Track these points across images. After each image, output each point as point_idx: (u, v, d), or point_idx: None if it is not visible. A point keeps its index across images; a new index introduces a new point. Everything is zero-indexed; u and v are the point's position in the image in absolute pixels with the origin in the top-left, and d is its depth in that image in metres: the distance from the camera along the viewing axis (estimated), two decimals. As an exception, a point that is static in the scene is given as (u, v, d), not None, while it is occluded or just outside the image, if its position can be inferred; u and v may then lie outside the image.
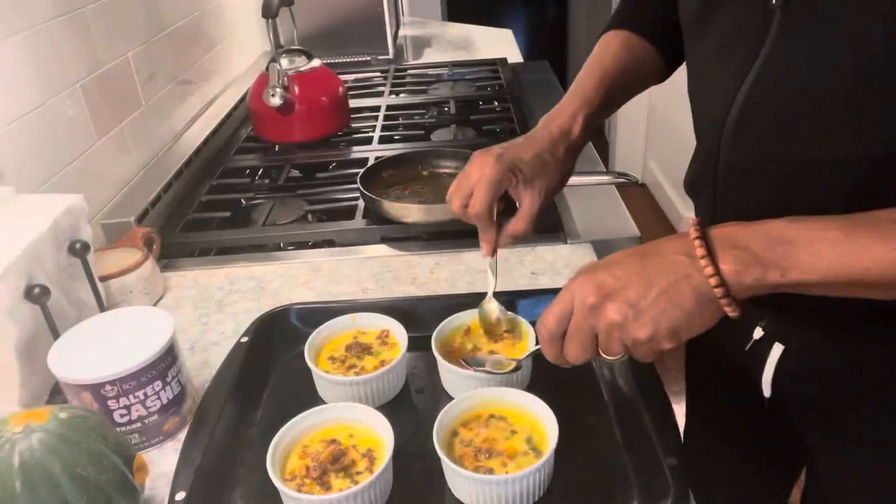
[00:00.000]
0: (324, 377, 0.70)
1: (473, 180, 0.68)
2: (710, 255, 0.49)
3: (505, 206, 0.71)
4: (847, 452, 0.70)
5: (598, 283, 0.52)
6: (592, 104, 0.75)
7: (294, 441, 0.62)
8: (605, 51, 0.80)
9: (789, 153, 0.57)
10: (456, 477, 0.58)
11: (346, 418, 0.64)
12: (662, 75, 0.83)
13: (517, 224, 0.71)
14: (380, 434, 0.62)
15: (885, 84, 0.50)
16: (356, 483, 0.57)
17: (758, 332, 0.70)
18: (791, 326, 0.67)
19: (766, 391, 0.71)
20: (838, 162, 0.54)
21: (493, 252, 0.72)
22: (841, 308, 0.53)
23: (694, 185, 0.73)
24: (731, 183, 0.63)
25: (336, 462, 0.59)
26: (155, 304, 0.92)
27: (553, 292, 0.82)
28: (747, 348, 0.71)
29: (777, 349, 0.68)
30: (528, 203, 0.70)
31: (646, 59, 0.80)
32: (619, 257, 0.55)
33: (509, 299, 0.80)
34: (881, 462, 0.67)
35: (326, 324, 0.75)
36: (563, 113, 0.75)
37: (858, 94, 0.51)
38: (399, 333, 0.74)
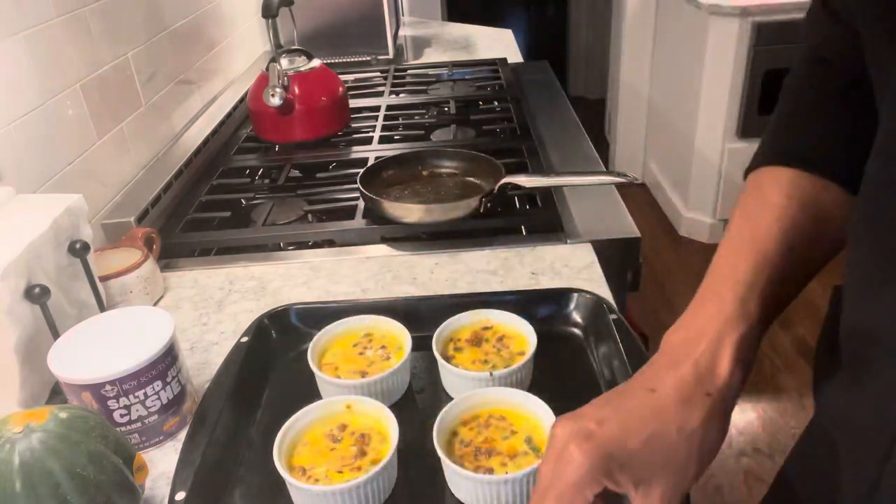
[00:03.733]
0: (327, 380, 0.70)
1: (545, 483, 0.42)
2: None
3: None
4: None
5: None
6: (751, 311, 0.45)
7: (301, 432, 0.62)
8: (761, 208, 0.51)
9: None
10: (456, 477, 0.59)
11: (353, 410, 0.64)
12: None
13: None
14: (386, 426, 0.62)
15: None
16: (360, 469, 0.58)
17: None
18: None
19: None
20: None
21: None
22: None
23: (842, 427, 0.46)
24: None
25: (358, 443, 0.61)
26: (155, 304, 0.92)
27: (553, 292, 0.83)
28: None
29: None
30: None
31: (832, 210, 0.49)
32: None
33: (509, 299, 0.80)
34: None
35: (332, 325, 0.75)
36: (700, 335, 0.45)
37: None
38: (403, 336, 0.74)
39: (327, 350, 0.74)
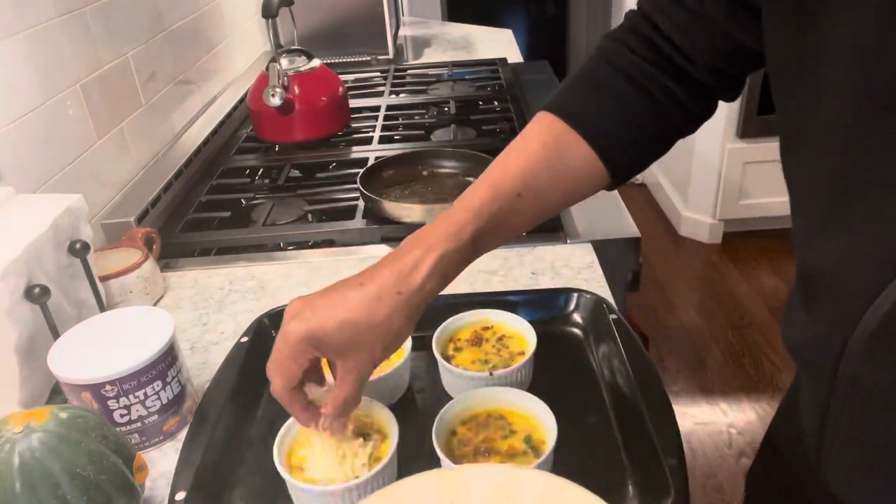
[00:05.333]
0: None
1: (274, 350, 0.55)
2: None
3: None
4: None
5: None
6: (464, 236, 0.54)
7: (301, 432, 0.62)
8: (520, 143, 0.60)
9: None
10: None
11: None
12: (602, 179, 0.61)
13: (331, 404, 0.56)
14: (386, 426, 0.62)
15: None
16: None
17: None
18: None
19: None
20: None
21: (323, 424, 0.58)
22: None
23: (800, 357, 0.54)
24: (851, 407, 0.47)
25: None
26: (155, 304, 0.92)
27: (553, 292, 0.83)
28: None
29: None
30: (340, 383, 0.55)
31: (577, 163, 0.60)
32: None
33: (509, 299, 0.80)
34: None
35: None
36: (416, 244, 0.54)
37: None
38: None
39: None
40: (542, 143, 0.59)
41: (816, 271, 0.48)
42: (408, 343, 0.72)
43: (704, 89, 0.60)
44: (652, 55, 0.60)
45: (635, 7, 0.62)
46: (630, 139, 0.60)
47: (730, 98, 0.62)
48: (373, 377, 0.68)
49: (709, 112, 0.62)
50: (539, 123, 0.61)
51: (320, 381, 0.59)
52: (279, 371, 0.54)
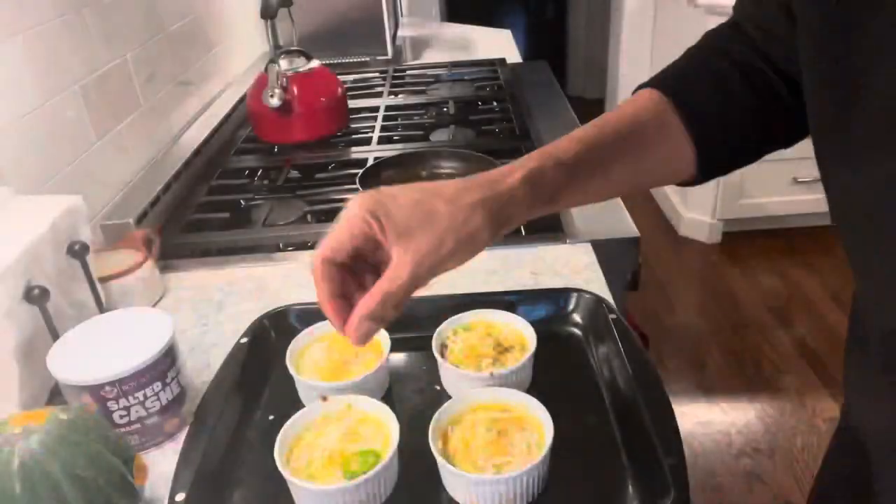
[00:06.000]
0: (305, 383, 0.69)
1: (332, 227, 0.49)
2: None
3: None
4: None
5: None
6: (546, 160, 0.53)
7: (301, 432, 0.62)
8: (615, 111, 0.59)
9: None
10: (451, 476, 0.58)
11: (354, 410, 0.64)
12: (689, 170, 0.60)
13: (368, 296, 0.48)
14: (386, 426, 0.62)
15: None
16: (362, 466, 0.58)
17: None
18: None
19: None
20: None
21: (350, 329, 0.49)
22: None
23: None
24: None
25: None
26: (154, 306, 0.91)
27: (553, 292, 0.83)
28: None
29: None
30: (392, 268, 0.47)
31: (668, 144, 0.57)
32: None
33: (509, 299, 0.80)
34: None
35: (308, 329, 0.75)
36: (505, 166, 0.53)
37: None
38: (382, 337, 0.73)
39: (305, 352, 0.74)
40: (636, 111, 0.57)
41: None
42: (387, 345, 0.71)
43: None
44: (761, 54, 0.57)
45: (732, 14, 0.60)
46: (728, 135, 0.57)
47: None
48: (348, 381, 0.67)
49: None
50: (638, 96, 0.58)
51: (360, 286, 0.50)
52: (328, 237, 0.48)
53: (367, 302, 0.47)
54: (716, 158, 0.59)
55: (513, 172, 0.51)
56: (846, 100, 0.41)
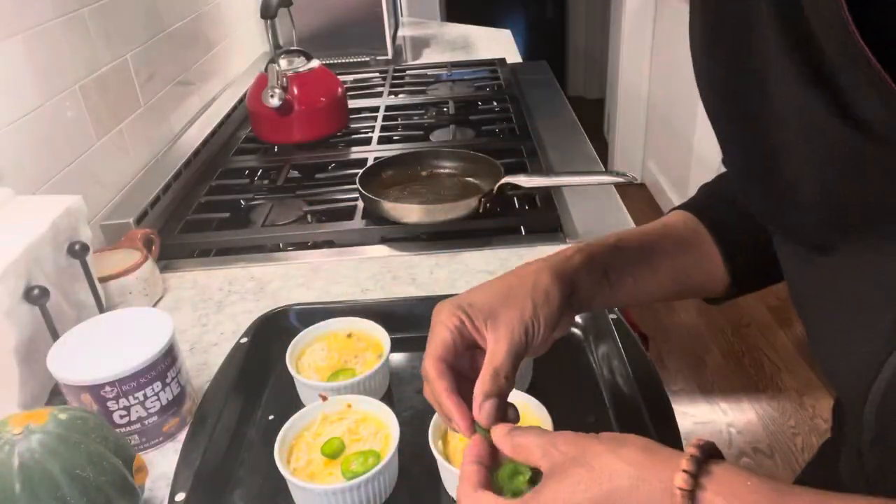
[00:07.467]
0: (305, 383, 0.69)
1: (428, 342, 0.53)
2: None
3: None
4: None
5: None
6: (594, 243, 0.58)
7: (301, 432, 0.62)
8: (648, 225, 0.63)
9: None
10: (450, 475, 0.58)
11: (354, 410, 0.64)
12: (721, 285, 0.61)
13: (479, 381, 0.50)
14: (386, 426, 0.62)
15: None
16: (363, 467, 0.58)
17: None
18: None
19: None
20: None
21: (477, 430, 0.50)
22: None
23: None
24: (885, 468, 0.45)
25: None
26: (154, 305, 0.91)
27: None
28: None
29: None
30: (490, 346, 0.51)
31: (701, 249, 0.60)
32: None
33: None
34: None
35: (311, 328, 0.75)
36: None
37: None
38: (382, 338, 0.73)
39: (305, 352, 0.74)
40: (670, 221, 0.63)
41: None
42: (387, 345, 0.72)
43: None
44: None
45: None
46: (758, 253, 0.57)
47: None
48: (348, 381, 0.67)
49: None
50: (670, 216, 0.64)
51: (470, 371, 0.53)
52: (429, 344, 0.52)
53: (481, 385, 0.50)
54: (749, 277, 0.61)
55: (567, 250, 0.57)
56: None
